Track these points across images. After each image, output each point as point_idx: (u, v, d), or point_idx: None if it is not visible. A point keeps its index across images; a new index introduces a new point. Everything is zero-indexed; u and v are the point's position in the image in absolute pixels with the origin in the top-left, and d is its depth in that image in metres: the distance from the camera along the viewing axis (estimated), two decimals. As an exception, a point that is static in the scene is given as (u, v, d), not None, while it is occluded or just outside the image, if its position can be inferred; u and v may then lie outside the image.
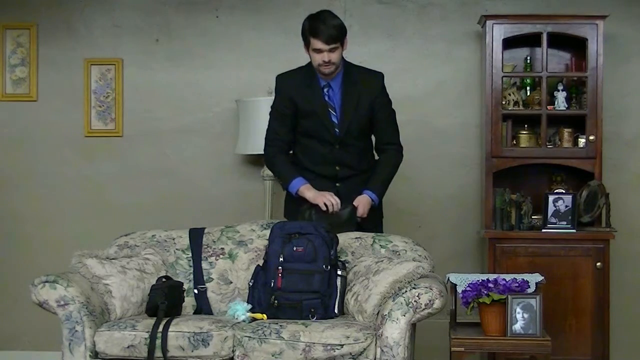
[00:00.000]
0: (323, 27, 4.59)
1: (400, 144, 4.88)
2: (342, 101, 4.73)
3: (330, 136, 4.73)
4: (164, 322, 4.12)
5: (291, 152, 4.87)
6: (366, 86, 4.75)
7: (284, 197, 4.93)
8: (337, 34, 4.60)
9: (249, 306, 4.34)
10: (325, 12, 4.70)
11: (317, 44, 4.61)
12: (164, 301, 4.23)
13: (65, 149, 5.97)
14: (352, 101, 4.72)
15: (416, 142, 5.83)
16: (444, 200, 5.85)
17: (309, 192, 4.68)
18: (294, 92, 4.74)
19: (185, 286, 4.59)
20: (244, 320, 4.26)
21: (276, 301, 4.30)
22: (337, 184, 4.75)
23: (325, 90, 4.74)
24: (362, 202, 4.71)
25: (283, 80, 4.81)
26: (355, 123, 4.73)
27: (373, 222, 4.81)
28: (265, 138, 4.84)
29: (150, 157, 5.96)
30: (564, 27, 5.46)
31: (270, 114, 4.84)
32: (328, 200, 4.64)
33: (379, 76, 4.82)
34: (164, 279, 4.37)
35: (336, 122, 4.73)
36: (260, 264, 4.48)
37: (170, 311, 4.25)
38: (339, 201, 4.66)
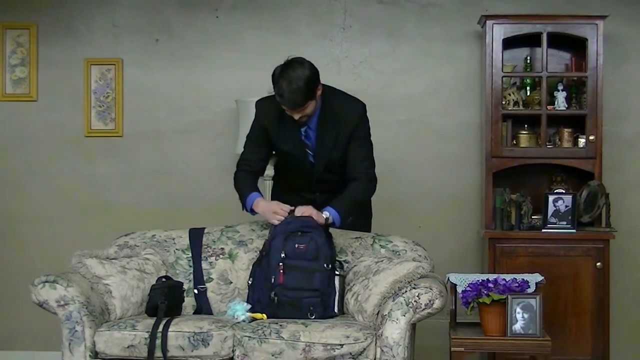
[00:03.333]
0: (285, 94, 4.28)
1: (370, 176, 4.53)
2: (318, 141, 4.50)
3: (308, 173, 4.59)
4: (163, 322, 4.12)
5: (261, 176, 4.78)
6: (344, 119, 4.46)
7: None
8: (300, 100, 4.30)
9: (249, 306, 4.34)
10: (290, 68, 4.30)
11: (283, 106, 4.36)
12: (164, 301, 4.23)
13: (65, 149, 5.97)
14: (329, 140, 4.48)
15: (416, 142, 5.84)
16: (444, 200, 5.85)
17: (259, 208, 4.46)
18: (270, 125, 4.52)
19: (185, 286, 4.59)
20: (243, 320, 4.26)
21: (276, 298, 4.29)
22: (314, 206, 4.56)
23: (303, 129, 4.50)
24: (308, 211, 4.41)
25: (261, 109, 4.57)
26: (333, 161, 4.53)
27: (358, 223, 4.71)
28: (238, 161, 4.66)
29: (150, 157, 5.96)
30: (564, 27, 5.46)
31: (246, 137, 4.65)
32: (277, 217, 4.41)
33: (359, 106, 4.52)
34: (163, 279, 4.37)
35: (313, 161, 4.55)
36: (257, 261, 4.46)
37: (170, 311, 4.25)
38: (287, 208, 4.43)
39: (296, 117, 4.38)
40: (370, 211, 4.86)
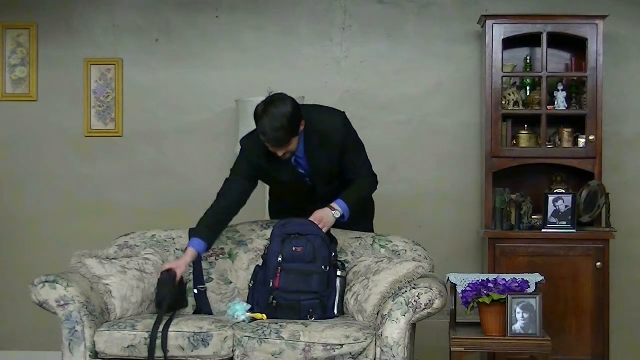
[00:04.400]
0: (269, 133, 4.22)
1: (371, 173, 4.55)
2: (312, 165, 4.44)
3: (309, 194, 4.55)
4: (165, 321, 4.12)
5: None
6: (330, 138, 4.39)
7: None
8: (283, 138, 4.22)
9: (249, 306, 4.34)
10: (273, 106, 4.24)
11: (266, 144, 4.29)
12: (168, 292, 4.22)
13: (65, 149, 5.97)
14: (323, 161, 4.43)
15: (416, 142, 5.84)
16: (444, 200, 5.85)
17: (177, 262, 4.36)
18: (261, 161, 4.43)
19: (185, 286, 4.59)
20: (243, 321, 4.26)
21: (275, 301, 4.30)
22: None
23: (292, 159, 4.43)
24: (319, 214, 4.40)
25: (247, 147, 4.49)
26: (328, 175, 4.50)
27: (362, 220, 4.71)
28: (226, 180, 4.53)
29: (150, 157, 5.96)
30: (564, 27, 5.46)
31: (232, 170, 4.53)
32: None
33: (339, 118, 4.45)
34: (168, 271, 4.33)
35: (309, 181, 4.51)
36: (260, 264, 4.47)
37: (179, 303, 4.26)
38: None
39: (280, 154, 4.30)
40: (373, 210, 4.87)
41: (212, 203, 4.51)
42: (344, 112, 4.50)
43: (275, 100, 4.28)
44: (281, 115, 4.21)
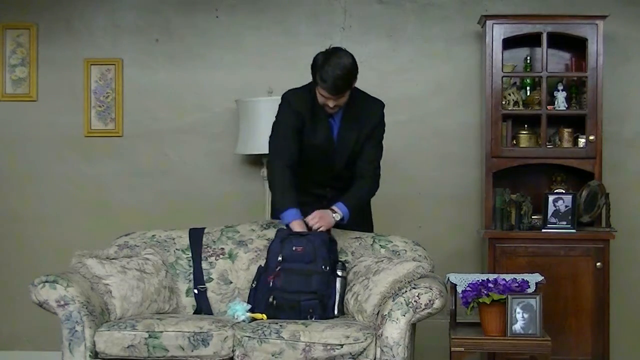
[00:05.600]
0: (330, 78, 4.35)
1: (377, 175, 4.61)
2: (341, 136, 4.56)
3: (328, 167, 4.61)
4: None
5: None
6: (367, 118, 4.56)
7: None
8: (343, 86, 4.39)
9: (249, 306, 4.34)
10: (336, 56, 4.41)
11: (322, 91, 4.41)
12: None
13: (65, 149, 5.97)
14: (352, 136, 4.55)
15: (416, 142, 5.84)
16: (444, 200, 5.85)
17: (295, 227, 4.41)
18: (306, 113, 4.52)
19: (185, 286, 4.59)
20: (243, 320, 4.26)
21: (274, 301, 4.30)
22: (325, 202, 4.59)
23: (329, 120, 4.56)
24: (319, 215, 4.42)
25: (294, 97, 4.57)
26: (352, 156, 4.58)
27: (361, 221, 4.73)
28: (271, 151, 4.58)
29: (150, 157, 5.96)
30: (564, 27, 5.46)
31: (275, 127, 4.58)
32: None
33: (380, 106, 4.62)
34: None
35: (334, 156, 4.58)
36: (262, 265, 4.47)
37: None
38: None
39: (331, 104, 4.44)
40: (370, 209, 4.87)
41: (273, 167, 4.52)
42: (384, 104, 4.65)
43: (336, 50, 4.47)
44: (344, 65, 4.39)
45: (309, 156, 4.59)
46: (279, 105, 4.61)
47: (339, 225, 4.51)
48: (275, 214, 4.63)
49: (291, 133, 4.52)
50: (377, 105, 4.63)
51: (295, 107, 4.54)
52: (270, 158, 4.57)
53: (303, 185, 4.60)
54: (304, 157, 4.58)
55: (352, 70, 4.42)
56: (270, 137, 4.59)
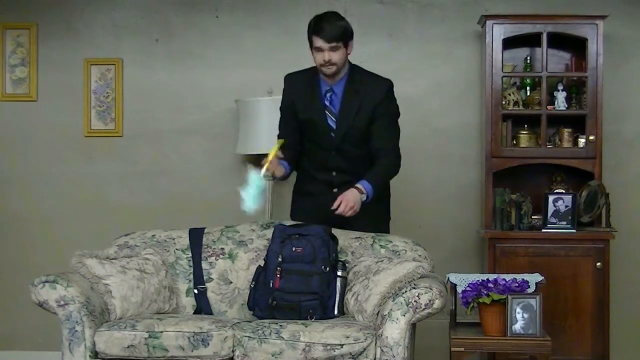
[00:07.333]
0: (325, 26, 4.50)
1: (397, 152, 4.61)
2: (341, 107, 4.61)
3: (328, 142, 4.62)
4: None
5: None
6: (369, 93, 4.58)
7: (291, 197, 4.90)
8: (338, 33, 4.50)
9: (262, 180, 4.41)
10: (331, 12, 4.63)
11: (318, 41, 4.51)
12: None
13: (65, 149, 5.97)
14: (353, 108, 4.59)
15: (416, 142, 5.83)
16: (444, 200, 5.85)
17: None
18: (296, 95, 4.66)
19: (185, 286, 4.59)
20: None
21: (274, 302, 4.30)
22: (335, 190, 4.60)
23: (328, 94, 4.63)
24: (345, 198, 4.34)
25: (289, 81, 4.73)
26: (353, 130, 4.59)
27: (378, 220, 4.71)
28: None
29: (150, 157, 5.96)
30: (564, 27, 5.46)
31: (280, 117, 4.77)
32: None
33: (385, 83, 4.64)
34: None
35: (334, 127, 4.61)
36: (262, 265, 4.47)
37: None
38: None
39: (326, 57, 4.50)
40: (389, 213, 4.86)
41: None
42: (392, 82, 4.68)
43: (331, 12, 4.65)
44: (338, 18, 4.58)
45: (309, 131, 4.66)
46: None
47: (363, 205, 4.39)
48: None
49: (284, 115, 4.73)
50: (382, 82, 4.64)
51: (287, 92, 4.71)
52: None
53: (310, 172, 4.67)
54: (307, 136, 4.67)
55: (347, 27, 4.55)
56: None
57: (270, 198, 5.55)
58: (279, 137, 4.68)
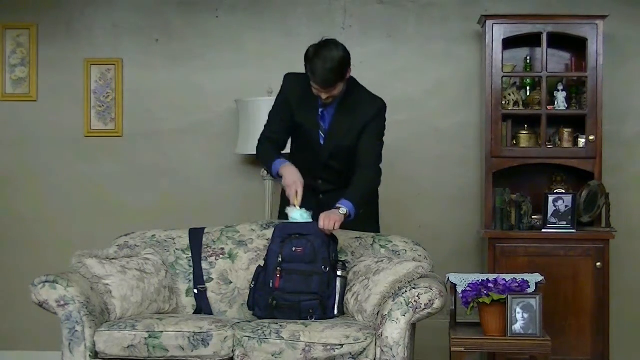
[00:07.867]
0: (320, 71, 4.37)
1: (378, 168, 4.57)
2: (332, 125, 4.56)
3: (316, 155, 4.61)
4: None
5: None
6: (361, 113, 4.54)
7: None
8: (333, 79, 4.38)
9: (307, 212, 4.41)
10: (326, 49, 4.41)
11: (314, 84, 4.44)
12: None
13: (65, 149, 5.97)
14: (343, 127, 4.55)
15: (416, 142, 5.84)
16: (444, 200, 5.85)
17: (285, 171, 4.48)
18: (294, 99, 4.61)
19: (185, 286, 4.59)
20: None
21: (274, 302, 4.30)
22: (320, 196, 4.63)
23: (321, 110, 4.57)
24: (327, 216, 4.33)
25: (289, 83, 4.66)
26: (341, 150, 4.57)
27: (365, 221, 4.69)
28: (260, 135, 4.71)
29: (150, 157, 5.96)
30: (564, 27, 5.46)
31: (270, 110, 4.72)
32: (291, 192, 4.44)
33: (377, 103, 4.59)
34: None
35: (322, 144, 4.59)
36: (262, 265, 4.47)
37: None
38: (297, 200, 4.44)
39: (323, 96, 4.45)
40: (377, 213, 4.86)
41: (258, 141, 4.69)
42: (385, 104, 4.62)
43: (328, 43, 4.46)
44: (333, 58, 4.38)
45: (299, 139, 4.66)
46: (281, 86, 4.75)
47: (347, 222, 4.41)
48: (271, 173, 4.64)
49: (276, 119, 4.66)
50: (375, 102, 4.60)
51: (286, 90, 4.66)
52: (257, 143, 4.72)
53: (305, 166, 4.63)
54: (297, 144, 4.69)
55: (342, 63, 4.41)
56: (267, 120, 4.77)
57: (270, 198, 5.54)
58: (265, 127, 4.69)
